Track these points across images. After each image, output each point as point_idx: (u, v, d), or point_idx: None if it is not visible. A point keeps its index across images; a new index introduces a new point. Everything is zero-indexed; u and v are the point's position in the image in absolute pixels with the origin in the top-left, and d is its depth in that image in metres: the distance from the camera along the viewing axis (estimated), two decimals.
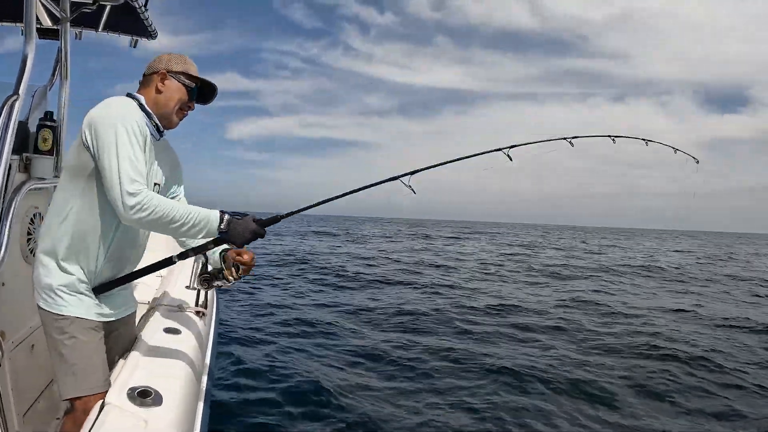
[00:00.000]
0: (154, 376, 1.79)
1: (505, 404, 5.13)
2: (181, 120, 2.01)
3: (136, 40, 3.89)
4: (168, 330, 2.21)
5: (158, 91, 1.95)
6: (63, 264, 1.81)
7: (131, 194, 1.67)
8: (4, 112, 2.04)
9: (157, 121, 1.95)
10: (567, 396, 5.43)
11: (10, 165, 2.11)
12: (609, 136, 2.99)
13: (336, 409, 4.80)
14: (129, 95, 1.96)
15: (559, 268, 19.24)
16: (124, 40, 3.87)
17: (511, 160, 2.52)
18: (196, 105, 2.05)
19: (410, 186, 2.23)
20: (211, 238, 1.85)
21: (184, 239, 2.05)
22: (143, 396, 1.63)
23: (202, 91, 2.03)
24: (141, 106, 1.92)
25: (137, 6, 3.12)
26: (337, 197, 2.11)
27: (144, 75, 2.00)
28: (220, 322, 3.65)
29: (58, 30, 3.19)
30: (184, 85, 1.96)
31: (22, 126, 2.25)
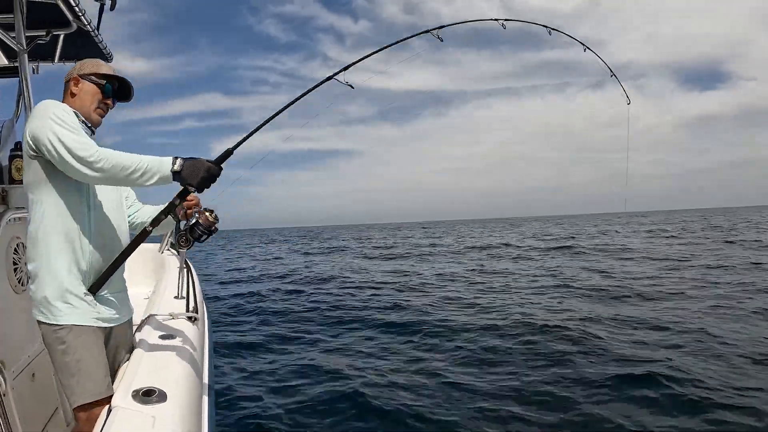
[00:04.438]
0: (156, 377, 1.84)
1: None
2: (102, 116, 2.11)
3: None
4: (164, 336, 2.26)
5: (74, 95, 2.06)
6: (53, 268, 1.85)
7: (84, 151, 1.77)
8: None
9: (84, 119, 2.05)
10: None
11: None
12: (540, 24, 3.16)
13: (335, 401, 4.94)
14: None
15: None
16: None
17: (441, 41, 2.61)
18: (120, 103, 2.17)
19: (347, 83, 2.33)
20: (168, 184, 1.88)
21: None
22: (148, 395, 1.69)
23: (122, 89, 2.14)
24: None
25: (90, 30, 3.15)
26: (279, 112, 2.16)
27: (64, 85, 2.11)
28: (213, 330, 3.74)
29: (14, 67, 3.22)
30: (95, 84, 2.07)
31: None
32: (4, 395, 2.17)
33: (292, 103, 2.21)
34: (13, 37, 2.87)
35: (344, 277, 15.86)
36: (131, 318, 2.20)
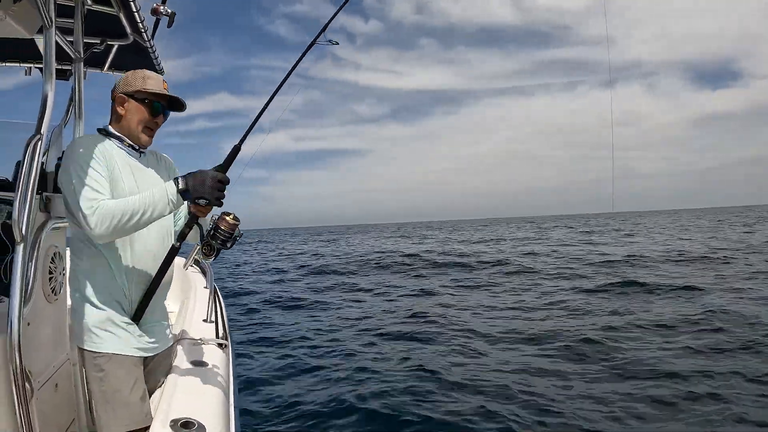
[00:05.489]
0: (192, 407, 1.82)
1: None
2: (151, 137, 1.99)
3: None
4: (196, 363, 2.25)
5: (120, 116, 1.95)
6: (96, 302, 1.83)
7: (89, 214, 1.67)
8: (27, 152, 2.06)
9: (131, 142, 1.96)
10: None
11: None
12: None
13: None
14: (99, 130, 2.00)
15: None
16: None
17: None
18: (173, 113, 2.03)
19: (330, 41, 2.31)
20: (183, 206, 1.82)
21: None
22: (186, 427, 1.66)
23: (170, 102, 2.00)
24: (109, 134, 1.94)
25: (148, 46, 3.17)
26: (274, 93, 2.12)
27: (111, 101, 2.00)
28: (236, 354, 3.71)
29: (62, 71, 3.23)
30: (143, 104, 1.93)
31: (41, 165, 2.28)
32: (29, 405, 2.14)
33: (285, 79, 2.17)
34: (70, 41, 2.89)
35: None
36: (171, 345, 2.18)
